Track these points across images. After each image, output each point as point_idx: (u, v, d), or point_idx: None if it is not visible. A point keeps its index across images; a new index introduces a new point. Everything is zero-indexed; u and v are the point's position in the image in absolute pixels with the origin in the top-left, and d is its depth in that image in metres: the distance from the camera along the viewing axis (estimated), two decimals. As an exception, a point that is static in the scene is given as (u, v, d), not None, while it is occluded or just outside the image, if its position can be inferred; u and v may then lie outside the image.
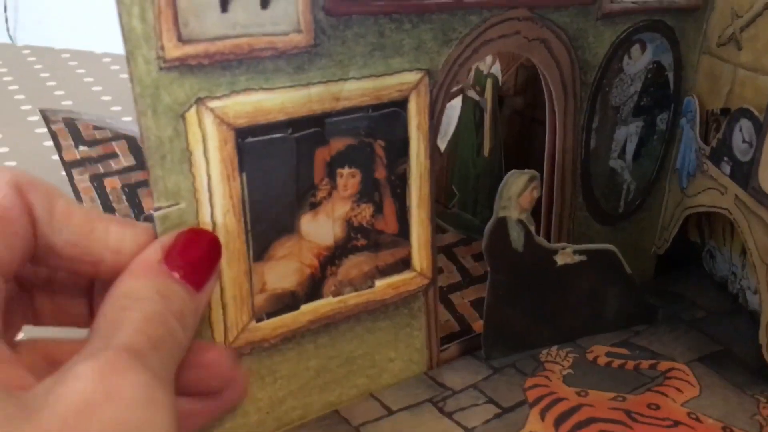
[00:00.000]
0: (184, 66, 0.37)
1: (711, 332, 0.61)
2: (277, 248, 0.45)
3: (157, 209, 0.38)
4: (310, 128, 0.44)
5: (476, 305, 0.66)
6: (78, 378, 0.28)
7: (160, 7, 0.35)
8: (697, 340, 0.60)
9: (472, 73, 0.73)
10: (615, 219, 0.64)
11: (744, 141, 0.53)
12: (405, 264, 0.52)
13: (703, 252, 0.70)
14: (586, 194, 0.61)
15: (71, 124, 0.71)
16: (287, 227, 0.45)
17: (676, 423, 0.51)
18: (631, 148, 0.61)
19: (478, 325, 0.62)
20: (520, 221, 0.53)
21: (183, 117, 0.38)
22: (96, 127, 0.71)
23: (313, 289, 0.48)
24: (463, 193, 0.79)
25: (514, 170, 0.51)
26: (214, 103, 0.39)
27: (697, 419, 0.51)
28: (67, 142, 0.70)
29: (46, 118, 0.71)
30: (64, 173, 0.68)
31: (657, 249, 0.68)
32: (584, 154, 0.59)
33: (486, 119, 0.74)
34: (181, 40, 0.36)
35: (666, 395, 0.53)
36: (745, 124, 0.52)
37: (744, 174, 0.53)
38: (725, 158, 0.55)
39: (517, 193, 0.52)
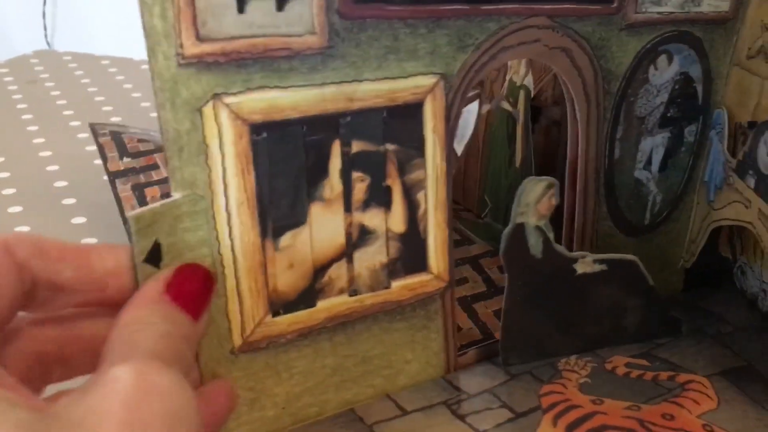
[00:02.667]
0: (201, 63, 0.39)
1: (736, 348, 0.60)
2: (289, 241, 0.46)
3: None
4: (324, 126, 0.45)
5: (499, 315, 0.66)
6: (117, 380, 0.29)
7: (180, 6, 0.37)
8: (720, 355, 0.59)
9: (506, 84, 0.74)
10: (640, 230, 0.63)
11: None
12: (422, 266, 0.53)
13: (735, 268, 0.69)
14: (610, 204, 0.61)
15: (117, 137, 0.74)
16: (299, 221, 0.47)
17: (689, 435, 0.50)
18: (657, 159, 0.61)
19: (496, 335, 0.62)
20: (538, 228, 0.53)
21: (200, 111, 0.40)
22: (140, 140, 0.75)
23: (328, 286, 0.49)
24: (495, 203, 0.80)
25: (531, 176, 0.52)
26: (229, 99, 0.41)
27: (712, 430, 0.50)
28: (112, 153, 0.74)
29: (95, 131, 0.75)
30: (106, 178, 0.72)
31: (684, 262, 0.67)
32: (608, 164, 0.59)
33: (518, 130, 0.75)
34: (199, 38, 0.39)
35: (682, 406, 0.53)
36: (768, 135, 0.52)
37: (767, 187, 0.52)
38: (750, 171, 0.55)
39: (535, 199, 0.52)
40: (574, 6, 0.52)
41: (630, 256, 0.58)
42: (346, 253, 0.50)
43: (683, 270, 0.68)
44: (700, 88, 0.60)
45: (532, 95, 0.73)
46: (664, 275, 0.66)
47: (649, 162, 0.61)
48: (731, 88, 0.60)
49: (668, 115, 0.60)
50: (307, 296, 0.49)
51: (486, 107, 0.76)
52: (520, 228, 0.53)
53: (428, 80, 0.49)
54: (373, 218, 0.50)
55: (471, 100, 0.72)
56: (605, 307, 0.59)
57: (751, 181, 0.55)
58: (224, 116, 0.41)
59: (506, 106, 0.75)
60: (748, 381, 0.56)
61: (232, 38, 0.40)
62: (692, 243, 0.65)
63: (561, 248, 0.56)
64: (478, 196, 0.82)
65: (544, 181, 0.52)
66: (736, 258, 0.69)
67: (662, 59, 0.57)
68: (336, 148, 0.47)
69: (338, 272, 0.50)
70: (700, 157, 0.63)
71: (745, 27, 0.58)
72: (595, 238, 0.61)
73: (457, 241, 0.76)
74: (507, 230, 0.53)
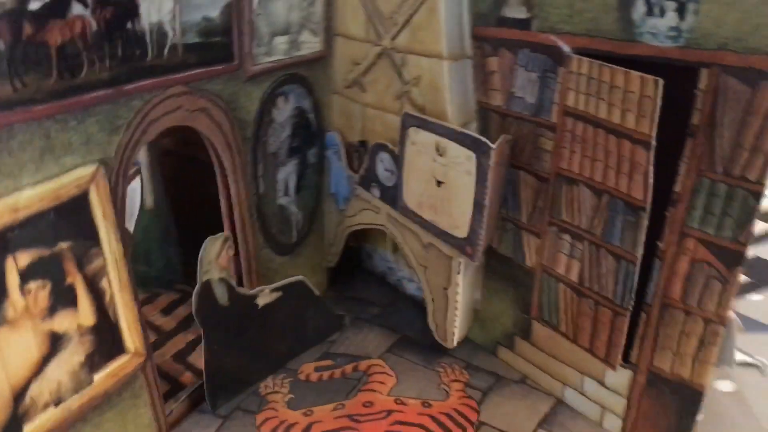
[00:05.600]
0: None
1: (389, 324, 0.73)
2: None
3: None
4: (-3, 248, 0.42)
5: (177, 358, 0.68)
6: None
7: None
8: (381, 335, 0.71)
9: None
10: (291, 248, 0.71)
11: (386, 170, 0.64)
12: (119, 349, 0.53)
13: (362, 254, 0.82)
14: (265, 233, 0.67)
15: None
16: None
17: (389, 412, 0.60)
18: (292, 185, 0.69)
19: (185, 377, 0.64)
20: (222, 279, 0.57)
21: None
22: None
23: (32, 407, 0.46)
24: (132, 247, 0.79)
25: (209, 237, 0.55)
26: None
27: (403, 403, 0.61)
28: None
29: None
30: None
31: (328, 263, 0.77)
32: (257, 200, 0.64)
33: (142, 173, 0.75)
34: None
35: (374, 390, 0.63)
36: (384, 156, 0.63)
37: (391, 196, 0.64)
38: (374, 183, 0.66)
39: (215, 255, 0.55)
40: (203, 70, 0.55)
41: (298, 277, 0.65)
42: (43, 366, 0.47)
43: (326, 269, 0.78)
44: (312, 117, 0.69)
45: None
46: (314, 279, 0.75)
47: (286, 188, 0.68)
48: (337, 113, 0.70)
49: (293, 145, 0.67)
50: (12, 427, 0.45)
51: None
52: (207, 285, 0.56)
53: (88, 170, 0.47)
54: (62, 321, 0.48)
55: (133, 177, 0.70)
56: (287, 325, 0.65)
57: (377, 192, 0.66)
58: None
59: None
60: (408, 349, 0.69)
61: None
62: (331, 246, 0.75)
63: (243, 290, 0.60)
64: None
65: (220, 237, 0.55)
66: (362, 246, 0.81)
67: (281, 100, 0.64)
68: (10, 265, 0.43)
69: (39, 389, 0.47)
70: (324, 174, 0.72)
71: (338, 62, 0.68)
72: (258, 267, 0.67)
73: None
74: (196, 290, 0.55)
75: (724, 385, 0.63)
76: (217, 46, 0.55)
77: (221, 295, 0.57)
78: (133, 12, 0.48)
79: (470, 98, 0.60)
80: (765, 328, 0.68)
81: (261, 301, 0.61)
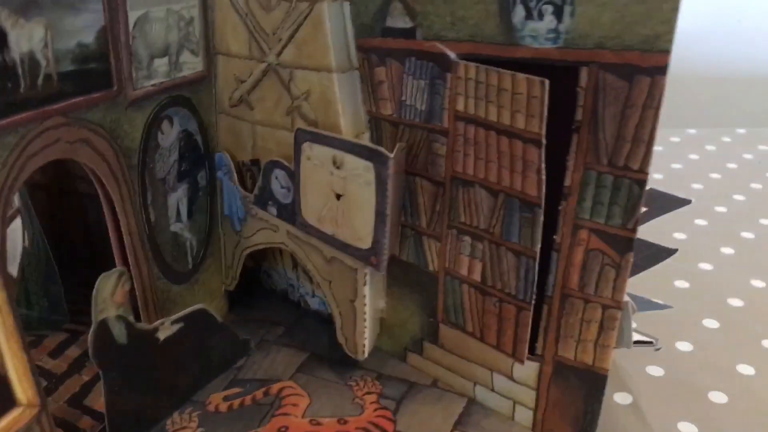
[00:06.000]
0: None
1: (295, 343, 0.71)
2: None
3: None
4: None
5: (72, 402, 0.64)
6: None
7: None
8: (289, 355, 0.70)
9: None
10: (189, 275, 0.68)
11: (282, 187, 0.63)
12: (10, 402, 0.49)
13: (261, 273, 0.80)
14: (159, 263, 0.64)
15: None
16: None
17: (306, 434, 0.59)
18: (184, 210, 0.66)
19: (84, 422, 0.61)
20: (119, 317, 0.54)
21: None
22: None
23: None
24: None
25: (103, 273, 0.52)
26: None
27: (319, 423, 0.60)
28: None
29: None
30: None
31: (227, 287, 0.75)
32: (148, 229, 0.62)
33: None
34: None
35: (288, 414, 0.61)
36: (279, 173, 0.62)
37: (290, 213, 0.63)
38: (270, 202, 0.65)
39: (110, 292, 0.52)
40: (81, 98, 0.52)
41: (198, 306, 0.63)
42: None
43: (227, 293, 0.75)
44: (200, 139, 0.67)
45: None
46: (215, 304, 0.73)
47: (178, 214, 0.66)
48: (224, 133, 0.68)
49: (182, 169, 0.65)
50: None
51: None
52: (103, 324, 0.53)
53: (-38, 214, 0.44)
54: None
55: (13, 217, 0.65)
56: (192, 355, 0.63)
57: (274, 210, 0.65)
58: None
59: None
60: (318, 367, 0.68)
61: None
62: (229, 269, 0.73)
63: (142, 325, 0.57)
64: None
65: (115, 273, 0.53)
66: (260, 265, 0.80)
67: (165, 124, 0.62)
68: None
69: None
70: (216, 196, 0.70)
71: (221, 81, 0.66)
72: (156, 299, 0.64)
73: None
74: (92, 331, 0.52)
75: (622, 398, 0.66)
76: (94, 72, 0.52)
77: (119, 333, 0.54)
78: (1, 42, 0.45)
79: (360, 109, 0.61)
80: (651, 305, 0.72)
81: (162, 335, 0.58)
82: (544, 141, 0.50)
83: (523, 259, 0.56)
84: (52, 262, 0.73)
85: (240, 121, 0.66)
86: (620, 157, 0.49)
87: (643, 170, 0.49)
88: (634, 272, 0.71)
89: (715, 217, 1.02)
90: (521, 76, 0.49)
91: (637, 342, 0.64)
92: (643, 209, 0.83)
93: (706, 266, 0.90)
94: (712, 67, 1.53)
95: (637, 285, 0.63)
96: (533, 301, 0.56)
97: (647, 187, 0.85)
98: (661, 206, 0.86)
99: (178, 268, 0.67)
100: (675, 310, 0.75)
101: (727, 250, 0.93)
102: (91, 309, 0.52)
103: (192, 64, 0.63)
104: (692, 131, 1.36)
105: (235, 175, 0.67)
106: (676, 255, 0.77)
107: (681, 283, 0.86)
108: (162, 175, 0.63)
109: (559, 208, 0.53)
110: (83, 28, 0.50)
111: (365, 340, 0.64)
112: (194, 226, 0.68)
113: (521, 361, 0.59)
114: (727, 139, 1.32)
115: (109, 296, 0.52)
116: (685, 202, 0.90)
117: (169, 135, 0.62)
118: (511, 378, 0.62)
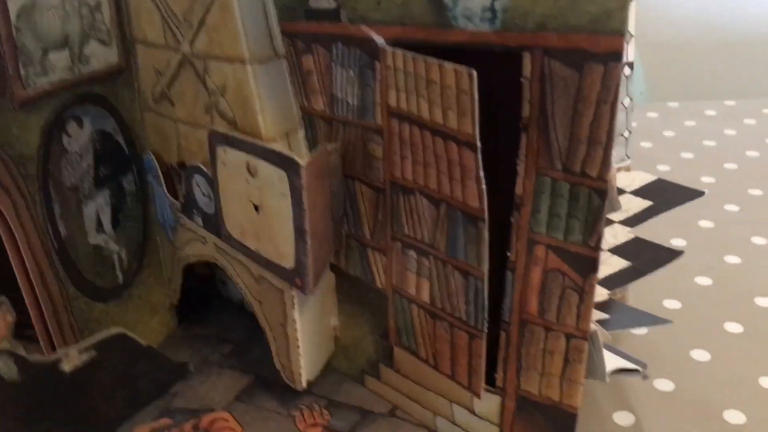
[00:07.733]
0: None
1: (241, 364, 0.64)
2: None
3: None
4: None
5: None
6: None
7: None
8: (231, 379, 0.62)
9: None
10: (118, 291, 0.62)
11: (204, 195, 0.55)
12: None
13: (216, 280, 0.73)
14: (76, 281, 0.57)
15: None
16: None
17: (230, 478, 0.52)
18: (106, 219, 0.59)
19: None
20: (3, 352, 0.47)
21: None
22: None
23: None
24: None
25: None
26: None
27: (248, 464, 0.53)
28: None
29: None
30: None
31: (172, 300, 0.68)
32: (58, 245, 0.55)
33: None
34: None
35: (216, 452, 0.54)
36: (199, 179, 0.54)
37: (214, 224, 0.55)
38: (195, 211, 0.57)
39: (-15, 327, 0.45)
40: (-50, 101, 0.45)
41: (115, 329, 0.56)
42: None
43: (173, 306, 0.68)
44: (121, 139, 0.59)
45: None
46: (158, 320, 0.66)
47: (100, 224, 0.59)
48: (150, 132, 0.60)
49: (101, 174, 0.58)
50: None
51: None
52: (-17, 362, 0.46)
53: None
54: None
55: None
56: (113, 385, 0.56)
57: (199, 220, 0.57)
58: None
59: None
60: (261, 393, 0.60)
61: None
62: (171, 282, 0.66)
63: (37, 357, 0.50)
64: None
65: (-10, 303, 0.46)
66: (214, 272, 0.72)
67: (72, 125, 0.54)
68: None
69: None
70: (149, 202, 0.63)
71: (143, 74, 0.58)
72: (75, 322, 0.57)
73: None
74: (-32, 373, 0.46)
75: (623, 417, 0.57)
76: (-37, 72, 0.45)
77: (7, 370, 0.47)
78: None
79: (290, 104, 0.52)
80: (645, 319, 0.63)
81: (67, 366, 0.52)
82: (478, 144, 0.41)
83: (471, 280, 0.47)
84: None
85: (164, 119, 0.58)
86: (576, 162, 0.40)
87: (602, 177, 0.40)
88: (637, 278, 0.62)
89: (747, 202, 0.90)
90: (448, 66, 0.40)
91: (620, 371, 0.54)
92: (648, 204, 0.73)
93: (733, 259, 0.78)
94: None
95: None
96: (485, 329, 0.48)
97: (657, 177, 0.75)
98: (668, 200, 0.75)
99: (103, 283, 0.60)
100: (692, 312, 0.65)
101: (759, 240, 0.81)
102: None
103: (102, 56, 0.55)
104: (731, 103, 1.22)
105: (162, 179, 0.59)
106: (696, 249, 0.66)
107: (703, 280, 0.74)
108: (72, 183, 0.55)
109: (512, 219, 0.45)
110: (-67, 21, 0.43)
111: (301, 369, 0.56)
112: (122, 236, 0.61)
113: (478, 395, 0.51)
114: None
115: None
116: (697, 193, 0.80)
117: (78, 137, 0.55)
118: (472, 412, 0.53)
